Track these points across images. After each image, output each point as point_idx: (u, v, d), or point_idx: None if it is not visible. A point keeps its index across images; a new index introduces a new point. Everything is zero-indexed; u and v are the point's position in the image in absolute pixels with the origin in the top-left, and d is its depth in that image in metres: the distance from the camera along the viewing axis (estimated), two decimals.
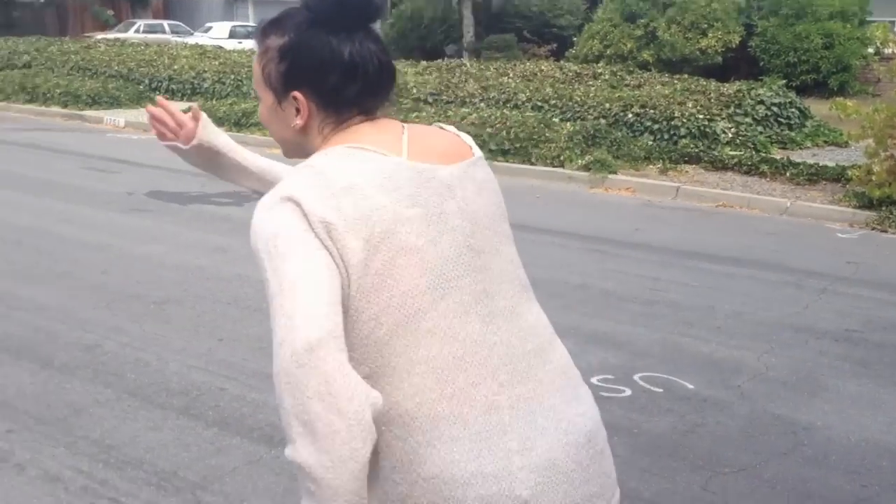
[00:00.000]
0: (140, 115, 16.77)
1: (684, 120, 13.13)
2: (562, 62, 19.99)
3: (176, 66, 19.77)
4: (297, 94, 1.55)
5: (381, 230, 1.42)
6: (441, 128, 1.67)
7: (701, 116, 13.18)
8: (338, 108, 1.55)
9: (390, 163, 1.50)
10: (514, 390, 1.45)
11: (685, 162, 12.08)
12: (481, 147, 10.50)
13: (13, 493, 3.51)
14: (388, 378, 1.41)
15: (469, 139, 1.66)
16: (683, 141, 12.77)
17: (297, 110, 1.56)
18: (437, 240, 1.46)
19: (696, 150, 12.31)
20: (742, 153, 12.30)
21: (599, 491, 1.49)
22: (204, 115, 2.00)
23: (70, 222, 8.13)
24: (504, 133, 12.56)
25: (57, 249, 7.23)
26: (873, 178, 9.69)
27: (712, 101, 13.73)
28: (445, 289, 1.44)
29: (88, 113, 16.98)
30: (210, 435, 4.08)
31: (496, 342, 1.46)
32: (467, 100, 15.14)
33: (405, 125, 1.61)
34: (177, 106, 2.04)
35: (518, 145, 12.39)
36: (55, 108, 17.48)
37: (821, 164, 11.38)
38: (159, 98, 2.05)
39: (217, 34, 32.63)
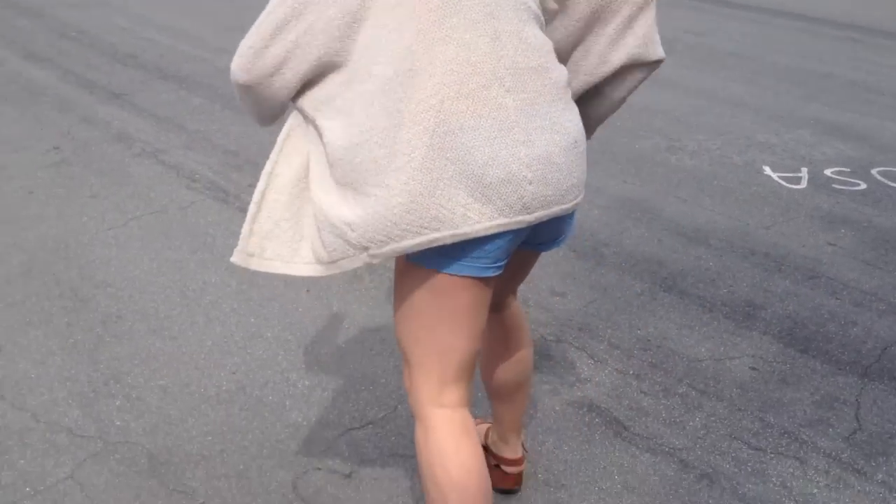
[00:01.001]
0: None
1: None
2: None
3: None
4: None
5: None
6: None
7: None
8: None
9: None
10: (517, 95, 1.73)
11: None
12: None
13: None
14: (413, 81, 1.68)
15: None
16: None
17: None
18: None
19: None
20: None
21: (577, 183, 1.81)
22: None
23: None
24: None
25: None
26: None
27: None
28: (455, 6, 1.70)
29: None
30: None
31: (503, 56, 1.72)
32: None
33: None
34: None
35: None
36: None
37: None
38: None
39: None
